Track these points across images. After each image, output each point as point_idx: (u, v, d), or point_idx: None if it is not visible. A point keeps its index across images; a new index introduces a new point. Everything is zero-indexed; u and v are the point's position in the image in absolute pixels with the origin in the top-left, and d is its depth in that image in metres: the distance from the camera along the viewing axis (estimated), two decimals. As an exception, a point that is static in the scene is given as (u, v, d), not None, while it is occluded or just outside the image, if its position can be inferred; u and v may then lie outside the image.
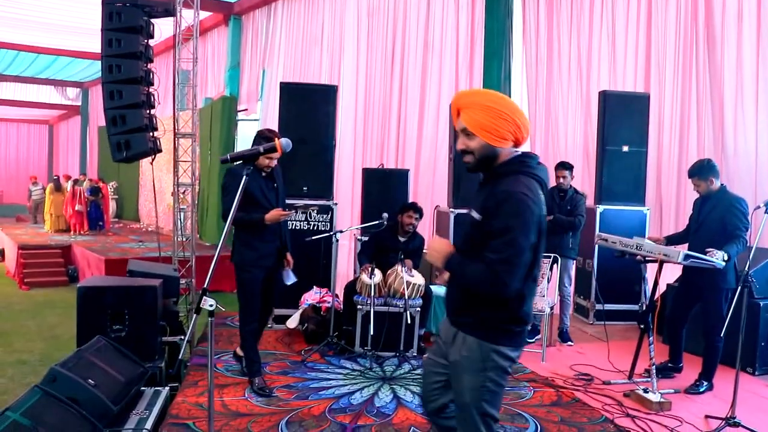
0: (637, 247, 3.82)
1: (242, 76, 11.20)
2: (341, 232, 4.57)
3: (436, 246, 2.07)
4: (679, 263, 3.59)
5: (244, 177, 1.88)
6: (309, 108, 5.15)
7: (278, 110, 5.41)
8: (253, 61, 10.94)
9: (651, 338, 3.92)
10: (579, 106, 7.17)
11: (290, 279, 3.92)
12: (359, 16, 8.99)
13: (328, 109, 5.33)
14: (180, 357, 4.01)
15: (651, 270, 6.01)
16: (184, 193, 6.52)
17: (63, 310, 7.39)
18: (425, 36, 8.26)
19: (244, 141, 11.52)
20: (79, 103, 19.92)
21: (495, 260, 1.85)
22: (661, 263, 3.81)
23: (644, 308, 3.98)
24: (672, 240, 4.30)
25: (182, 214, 6.55)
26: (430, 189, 7.90)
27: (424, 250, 4.96)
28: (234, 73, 11.20)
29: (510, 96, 6.89)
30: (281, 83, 5.63)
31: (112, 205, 14.56)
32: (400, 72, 8.46)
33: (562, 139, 7.32)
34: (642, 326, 4.00)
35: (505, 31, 7.09)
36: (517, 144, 2.00)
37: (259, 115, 10.91)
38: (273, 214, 3.63)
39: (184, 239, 6.39)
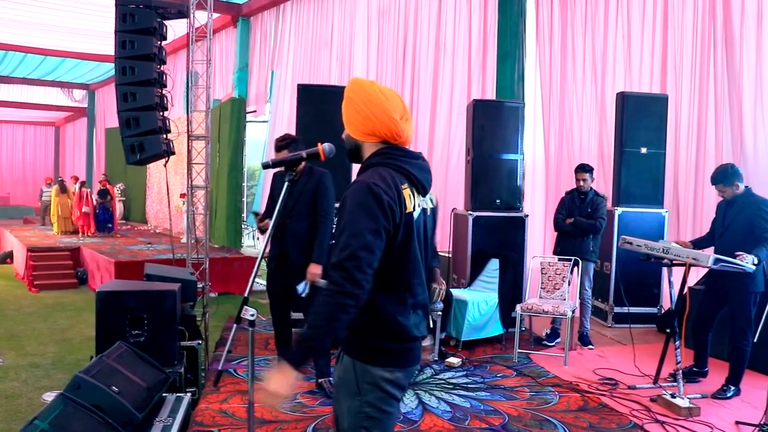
0: (664, 250, 3.77)
1: (251, 78, 11.18)
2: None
3: (276, 380, 1.61)
4: (708, 267, 3.54)
5: (286, 183, 1.83)
6: (327, 110, 5.08)
7: (295, 112, 5.36)
8: (262, 62, 10.91)
9: (677, 342, 3.86)
10: (593, 108, 7.11)
11: (301, 289, 3.81)
12: (369, 17, 8.95)
13: (346, 110, 5.26)
14: (199, 362, 3.97)
15: (674, 274, 5.99)
16: (194, 195, 6.49)
17: (73, 312, 7.38)
18: (437, 36, 8.20)
19: (252, 143, 11.51)
20: (86, 105, 19.93)
21: (342, 258, 1.58)
22: (688, 267, 3.74)
23: (668, 312, 3.93)
24: (698, 244, 4.24)
25: (192, 216, 6.49)
26: (443, 191, 7.85)
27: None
28: (242, 75, 11.17)
29: (523, 97, 6.85)
30: (299, 85, 5.59)
31: (119, 207, 14.53)
32: (412, 73, 8.40)
33: (576, 141, 7.25)
34: (668, 330, 3.93)
35: (518, 32, 7.04)
36: (390, 142, 1.78)
37: (268, 117, 10.89)
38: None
39: (194, 242, 6.34)
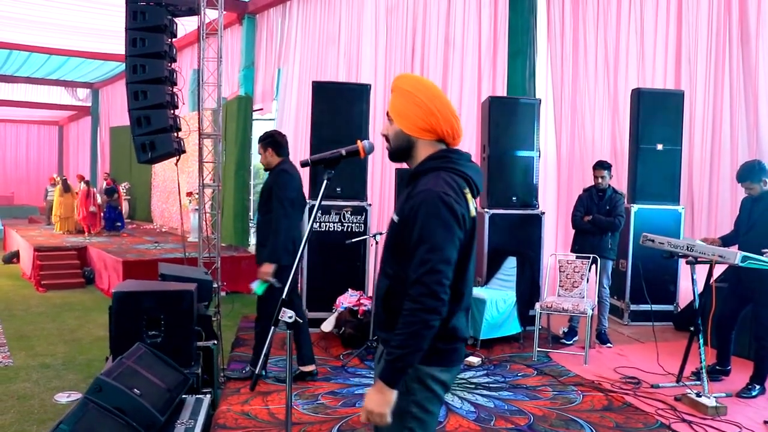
0: (688, 248, 3.71)
1: (257, 76, 11.11)
2: (381, 234, 4.46)
3: (374, 400, 1.63)
4: (736, 265, 3.48)
5: (325, 181, 1.78)
6: (342, 107, 5.04)
7: (309, 109, 5.29)
8: (268, 60, 10.84)
9: (701, 341, 3.80)
10: (606, 105, 7.04)
11: (254, 287, 3.79)
12: (377, 13, 8.87)
13: (362, 108, 5.22)
14: (216, 363, 3.92)
15: (686, 271, 5.92)
16: (201, 193, 6.43)
17: (81, 312, 7.34)
18: (446, 33, 8.12)
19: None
20: (90, 104, 19.88)
21: (423, 273, 1.58)
22: (713, 265, 3.68)
23: (687, 308, 3.87)
24: (724, 241, 4.18)
25: (199, 214, 6.44)
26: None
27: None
28: (248, 73, 11.11)
29: (534, 95, 6.78)
30: (313, 82, 5.53)
31: (124, 206, 14.49)
32: (421, 70, 8.32)
33: (588, 138, 7.19)
34: (692, 328, 3.88)
35: (529, 28, 6.97)
36: (445, 141, 1.76)
37: (274, 115, 10.83)
38: None
39: (204, 240, 6.29)
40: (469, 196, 1.71)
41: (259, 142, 3.95)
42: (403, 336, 1.58)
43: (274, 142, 4.08)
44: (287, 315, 1.71)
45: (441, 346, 1.69)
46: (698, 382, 3.83)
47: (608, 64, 7.01)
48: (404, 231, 1.69)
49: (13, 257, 11.43)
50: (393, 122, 1.77)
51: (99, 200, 12.54)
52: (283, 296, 1.74)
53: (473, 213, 1.73)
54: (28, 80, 17.08)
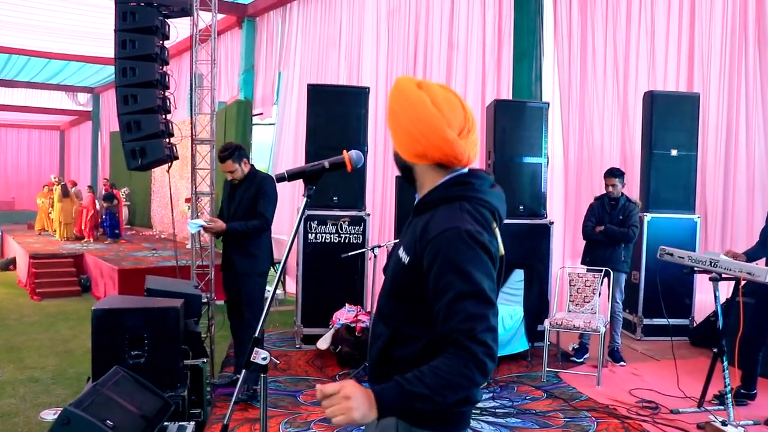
0: (711, 263, 3.44)
1: (257, 80, 10.93)
2: (379, 247, 4.20)
3: (353, 398, 1.29)
4: (767, 283, 3.20)
5: (305, 199, 1.53)
6: (339, 112, 4.81)
7: (306, 114, 5.06)
8: (268, 63, 10.65)
9: (725, 363, 3.53)
10: (616, 109, 6.78)
11: (193, 229, 3.79)
12: (378, 15, 8.65)
13: (360, 112, 4.98)
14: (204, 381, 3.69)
15: (702, 284, 5.65)
16: (198, 201, 6.25)
17: (76, 322, 7.17)
18: (449, 34, 7.89)
19: (259, 146, 11.25)
20: (90, 109, 19.77)
21: (482, 330, 1.30)
22: (740, 282, 3.41)
23: (705, 323, 3.60)
24: (749, 256, 3.90)
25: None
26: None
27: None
28: (248, 77, 10.93)
29: (541, 98, 6.52)
30: (309, 85, 5.30)
31: (124, 212, 14.32)
32: (423, 73, 8.08)
33: (597, 143, 6.92)
34: (715, 350, 3.60)
35: (535, 30, 6.74)
36: (448, 165, 1.45)
37: (274, 119, 10.63)
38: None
39: (198, 248, 6.06)
40: (497, 231, 1.43)
41: (229, 158, 3.85)
42: (443, 381, 1.27)
43: (243, 151, 4.03)
44: (260, 356, 1.45)
45: (448, 408, 1.38)
46: (722, 407, 3.55)
47: (617, 67, 6.75)
48: (416, 275, 1.40)
49: (10, 264, 11.28)
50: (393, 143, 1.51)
51: (98, 206, 12.41)
52: (255, 334, 1.48)
53: (502, 251, 1.45)
54: (29, 85, 16.99)
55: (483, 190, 1.44)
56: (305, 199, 1.57)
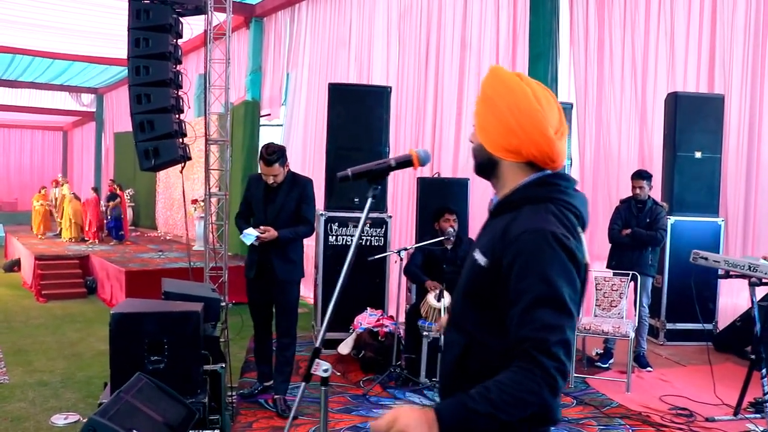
0: (750, 267, 3.34)
1: (264, 80, 10.83)
2: (405, 249, 4.09)
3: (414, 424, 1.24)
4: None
5: (370, 199, 1.43)
6: (360, 112, 4.71)
7: (326, 114, 4.95)
8: (276, 64, 10.56)
9: (763, 370, 3.42)
10: (633, 111, 6.68)
11: (249, 241, 3.66)
12: (389, 15, 8.56)
13: (382, 112, 4.88)
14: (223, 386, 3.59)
15: (726, 288, 5.55)
16: (207, 202, 6.17)
17: (83, 324, 7.07)
18: (462, 35, 7.79)
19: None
20: (94, 109, 19.69)
21: (555, 343, 1.21)
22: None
23: (732, 327, 3.49)
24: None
25: (205, 223, 6.13)
26: (474, 200, 7.42)
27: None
28: (255, 77, 10.83)
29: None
30: (330, 84, 5.20)
31: (129, 213, 14.23)
32: (435, 74, 7.99)
33: (614, 146, 6.81)
34: (753, 357, 3.50)
35: (551, 31, 6.65)
36: (539, 165, 1.38)
37: (282, 121, 10.54)
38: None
39: (208, 252, 5.96)
40: (582, 236, 1.34)
41: (277, 161, 3.66)
42: (508, 398, 1.20)
43: (286, 153, 3.89)
44: (322, 368, 1.35)
45: (539, 429, 1.32)
46: (759, 416, 3.45)
47: (635, 68, 6.65)
48: (496, 279, 1.31)
49: (14, 265, 11.19)
50: (475, 133, 1.40)
51: (102, 207, 12.33)
52: (316, 345, 1.38)
53: (587, 258, 1.35)
54: (32, 85, 16.92)
55: (569, 192, 1.36)
56: (369, 200, 1.46)
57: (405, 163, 1.47)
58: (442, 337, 3.75)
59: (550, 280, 1.23)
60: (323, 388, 1.42)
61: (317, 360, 1.37)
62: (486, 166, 1.41)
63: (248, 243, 3.59)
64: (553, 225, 1.27)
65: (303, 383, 1.39)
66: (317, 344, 1.39)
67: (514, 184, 1.38)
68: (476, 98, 1.41)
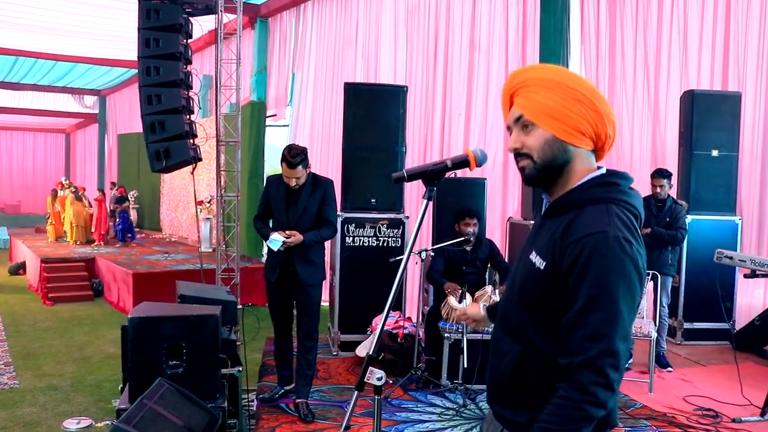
0: (779, 267, 3.28)
1: (269, 81, 10.77)
2: (426, 251, 4.04)
3: None
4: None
5: (426, 201, 1.37)
6: (376, 111, 4.66)
7: (342, 114, 4.91)
8: (282, 64, 10.49)
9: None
10: (646, 110, 6.62)
11: (275, 247, 3.62)
12: (397, 14, 8.50)
13: (398, 111, 4.82)
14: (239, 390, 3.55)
15: (743, 287, 5.50)
16: (210, 203, 6.16)
17: (91, 327, 7.02)
18: (471, 34, 7.73)
19: (271, 148, 11.09)
20: (97, 111, 19.64)
21: (597, 354, 1.17)
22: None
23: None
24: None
25: (217, 225, 6.08)
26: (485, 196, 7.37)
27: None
28: (261, 78, 10.77)
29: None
30: (346, 83, 5.14)
31: (133, 215, 14.18)
32: (444, 73, 7.93)
33: (626, 145, 6.76)
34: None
35: (562, 29, 6.59)
36: (597, 148, 1.34)
37: (288, 121, 10.49)
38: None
39: (219, 254, 5.92)
40: (642, 240, 1.29)
41: (300, 164, 3.60)
42: (553, 426, 1.19)
43: (308, 156, 3.83)
44: (375, 376, 1.30)
45: None
46: (786, 418, 3.40)
47: (648, 66, 6.60)
48: (555, 282, 1.26)
49: (20, 268, 11.14)
50: (538, 126, 1.31)
51: (110, 209, 12.30)
52: (370, 352, 1.33)
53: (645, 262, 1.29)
54: (35, 87, 16.88)
55: (628, 192, 1.31)
56: (425, 201, 1.41)
57: (462, 163, 1.41)
58: (464, 339, 3.73)
59: (607, 286, 1.18)
60: (377, 397, 1.36)
61: (371, 368, 1.31)
62: (559, 163, 1.32)
63: (275, 249, 3.53)
64: (617, 228, 1.22)
65: (355, 392, 1.33)
66: (371, 352, 1.34)
67: (578, 180, 1.32)
68: (525, 95, 1.33)
